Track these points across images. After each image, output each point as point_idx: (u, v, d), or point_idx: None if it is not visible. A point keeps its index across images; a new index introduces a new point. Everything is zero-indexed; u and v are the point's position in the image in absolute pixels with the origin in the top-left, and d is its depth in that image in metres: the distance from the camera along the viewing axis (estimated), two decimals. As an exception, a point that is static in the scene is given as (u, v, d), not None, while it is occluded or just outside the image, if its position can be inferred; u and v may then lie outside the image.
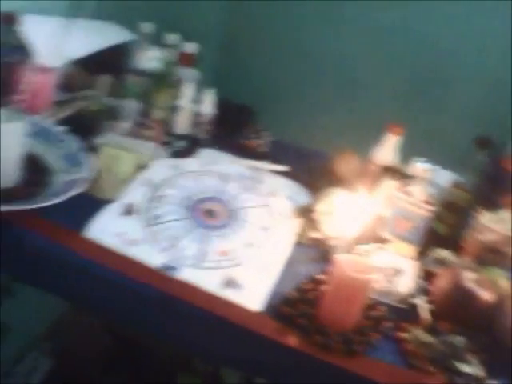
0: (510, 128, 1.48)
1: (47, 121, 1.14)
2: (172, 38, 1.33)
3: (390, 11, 1.80)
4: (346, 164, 1.30)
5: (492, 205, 1.14)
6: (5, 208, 0.92)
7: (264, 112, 1.51)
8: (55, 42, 1.11)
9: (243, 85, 1.87)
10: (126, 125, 1.20)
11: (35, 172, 1.03)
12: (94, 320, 1.72)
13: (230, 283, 0.95)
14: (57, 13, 1.26)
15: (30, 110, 1.09)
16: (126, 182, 1.09)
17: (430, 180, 1.17)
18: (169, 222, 1.06)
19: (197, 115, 1.33)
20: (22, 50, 1.18)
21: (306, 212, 1.18)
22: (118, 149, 1.10)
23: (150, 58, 1.32)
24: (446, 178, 1.24)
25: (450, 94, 1.86)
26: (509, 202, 1.11)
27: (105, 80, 1.35)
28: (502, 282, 1.00)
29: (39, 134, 1.08)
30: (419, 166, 1.17)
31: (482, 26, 1.72)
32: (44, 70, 1.14)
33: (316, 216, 1.15)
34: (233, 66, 2.03)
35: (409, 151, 1.27)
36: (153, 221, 1.05)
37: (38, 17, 1.26)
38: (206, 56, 1.49)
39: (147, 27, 1.33)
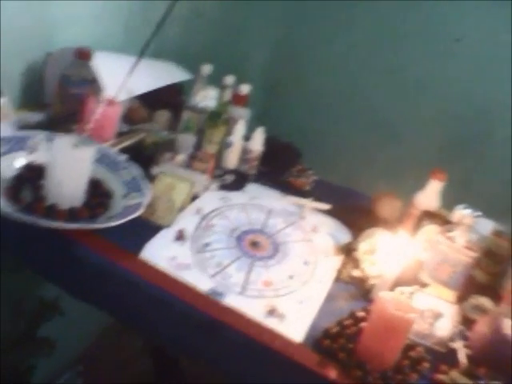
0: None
1: (111, 149, 1.23)
2: (228, 79, 1.41)
3: (439, 69, 1.86)
4: (387, 205, 1.33)
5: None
6: (70, 226, 0.99)
7: (309, 151, 1.57)
8: (122, 78, 1.20)
9: (290, 125, 1.94)
10: (181, 157, 1.27)
11: (98, 195, 1.10)
12: (134, 344, 1.75)
13: (273, 313, 0.99)
14: (124, 51, 1.37)
15: (96, 138, 1.17)
16: (179, 209, 1.15)
17: (472, 227, 1.19)
18: (217, 250, 1.11)
19: (246, 151, 1.40)
20: (92, 84, 1.29)
21: (346, 250, 1.21)
22: (173, 178, 1.18)
23: (207, 97, 1.41)
24: (486, 226, 1.26)
25: (492, 146, 1.88)
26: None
27: (163, 115, 1.45)
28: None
29: (103, 160, 1.17)
30: (461, 213, 1.19)
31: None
32: (110, 102, 1.23)
33: (357, 254, 1.19)
34: (279, 107, 2.11)
35: (451, 198, 1.30)
36: (202, 248, 1.10)
37: (108, 54, 1.38)
38: (255, 96, 1.56)
39: (206, 68, 1.42)
